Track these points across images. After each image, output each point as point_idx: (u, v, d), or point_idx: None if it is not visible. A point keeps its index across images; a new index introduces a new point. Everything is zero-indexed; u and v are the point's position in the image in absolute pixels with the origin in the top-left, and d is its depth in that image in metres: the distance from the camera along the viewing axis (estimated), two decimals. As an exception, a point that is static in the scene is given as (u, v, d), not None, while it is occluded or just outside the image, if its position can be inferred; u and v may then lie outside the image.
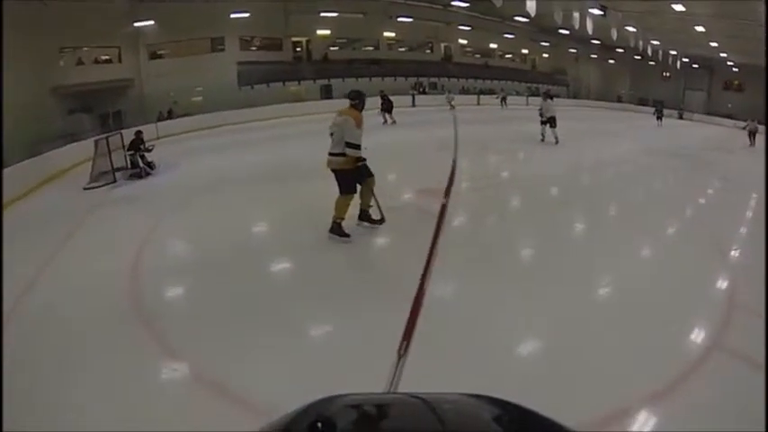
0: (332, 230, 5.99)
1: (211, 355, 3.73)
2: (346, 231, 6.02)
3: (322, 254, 5.84)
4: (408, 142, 14.88)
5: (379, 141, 10.89)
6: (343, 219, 5.99)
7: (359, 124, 5.74)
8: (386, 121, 19.13)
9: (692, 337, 4.01)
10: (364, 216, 6.41)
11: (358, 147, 5.75)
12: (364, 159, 5.84)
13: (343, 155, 5.75)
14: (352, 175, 5.86)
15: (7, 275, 5.04)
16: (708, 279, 5.26)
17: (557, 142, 14.43)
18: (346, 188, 5.88)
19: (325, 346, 4.03)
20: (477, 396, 0.89)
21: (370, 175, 5.99)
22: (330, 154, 5.87)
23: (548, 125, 14.65)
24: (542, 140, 14.80)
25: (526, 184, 9.87)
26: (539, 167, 11.97)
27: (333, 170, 5.90)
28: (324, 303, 4.66)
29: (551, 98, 15.01)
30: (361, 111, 5.90)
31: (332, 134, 5.91)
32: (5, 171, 9.94)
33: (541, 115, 14.83)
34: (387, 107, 19.37)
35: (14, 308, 4.60)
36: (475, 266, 5.47)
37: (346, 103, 6.05)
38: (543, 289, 4.83)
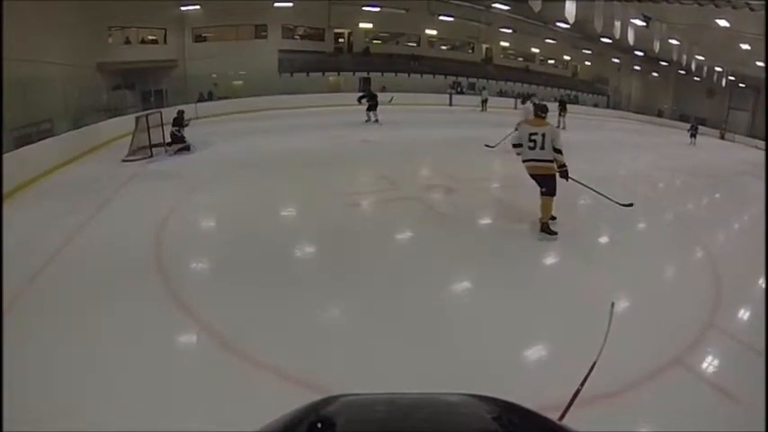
0: (543, 230, 6.41)
1: (216, 310, 4.20)
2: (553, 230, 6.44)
3: (334, 235, 6.37)
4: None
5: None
6: (550, 218, 6.44)
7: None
8: (369, 119, 17.63)
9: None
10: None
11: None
12: (566, 165, 6.27)
13: (552, 161, 6.21)
14: (555, 178, 6.29)
15: (50, 230, 6.15)
16: (693, 304, 4.94)
17: None
18: (552, 190, 6.30)
19: (325, 323, 4.32)
20: (478, 396, 0.90)
21: (567, 178, 6.37)
22: (537, 160, 6.29)
23: None
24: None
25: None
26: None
27: (541, 175, 6.30)
28: (333, 283, 4.96)
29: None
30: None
31: (518, 144, 6.45)
32: (53, 139, 10.54)
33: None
34: (372, 104, 17.73)
35: (54, 256, 5.34)
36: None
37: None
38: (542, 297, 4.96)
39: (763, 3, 17.88)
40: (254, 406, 2.63)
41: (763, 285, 5.65)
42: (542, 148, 6.20)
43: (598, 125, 25.00)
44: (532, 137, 6.25)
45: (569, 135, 13.89)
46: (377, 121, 17.52)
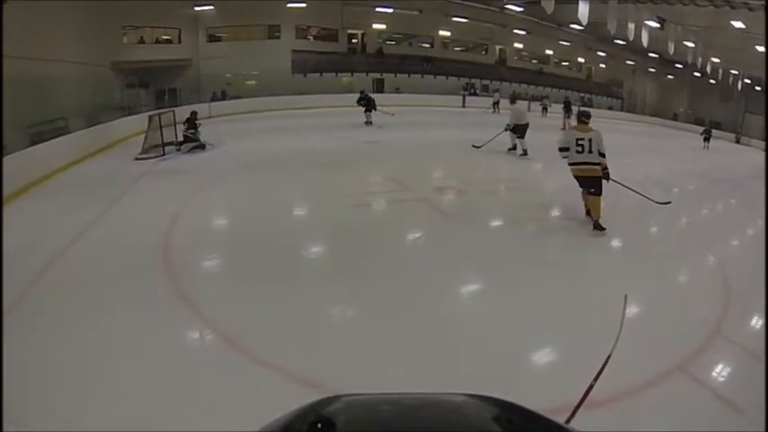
0: (595, 228, 6.79)
1: (222, 308, 4.23)
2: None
3: (341, 235, 6.38)
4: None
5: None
6: (599, 216, 6.83)
7: None
8: (368, 121, 17.75)
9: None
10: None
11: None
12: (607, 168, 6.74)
13: (598, 163, 6.66)
14: (601, 179, 6.71)
15: (61, 225, 6.26)
16: (701, 310, 4.81)
17: (524, 154, 12.25)
18: (600, 190, 6.74)
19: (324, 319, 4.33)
20: (478, 396, 0.91)
21: (608, 179, 6.81)
22: (586, 163, 6.71)
23: (516, 135, 12.35)
24: (512, 149, 12.59)
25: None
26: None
27: (589, 177, 6.72)
28: (338, 282, 4.97)
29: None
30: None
31: (565, 149, 6.82)
32: (66, 137, 10.67)
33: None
34: (369, 106, 17.81)
35: (62, 253, 5.38)
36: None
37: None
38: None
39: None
40: (255, 405, 2.62)
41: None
42: (590, 151, 6.65)
43: (606, 126, 24.55)
44: (579, 141, 6.69)
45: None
46: (370, 123, 17.68)
